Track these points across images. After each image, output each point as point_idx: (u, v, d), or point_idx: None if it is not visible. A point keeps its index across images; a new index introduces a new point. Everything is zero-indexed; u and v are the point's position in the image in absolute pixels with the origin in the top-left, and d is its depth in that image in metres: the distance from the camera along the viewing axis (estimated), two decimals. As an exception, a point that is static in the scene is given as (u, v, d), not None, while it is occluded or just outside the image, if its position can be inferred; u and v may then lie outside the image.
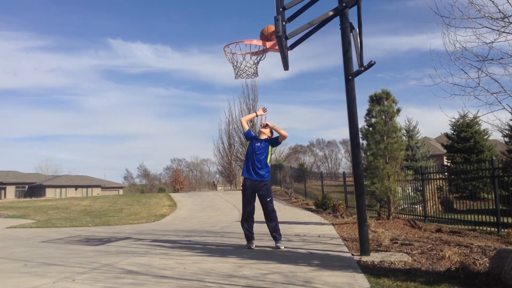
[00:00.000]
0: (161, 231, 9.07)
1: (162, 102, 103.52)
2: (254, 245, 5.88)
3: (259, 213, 6.08)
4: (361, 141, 8.25)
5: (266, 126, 6.15)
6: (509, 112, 4.29)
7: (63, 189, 51.82)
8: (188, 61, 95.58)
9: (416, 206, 10.59)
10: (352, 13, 5.30)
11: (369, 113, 9.53)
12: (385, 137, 9.10)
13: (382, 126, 9.13)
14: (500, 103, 4.30)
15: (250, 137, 6.22)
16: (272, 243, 5.89)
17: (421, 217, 9.53)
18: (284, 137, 6.08)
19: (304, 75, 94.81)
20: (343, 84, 5.27)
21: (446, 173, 11.57)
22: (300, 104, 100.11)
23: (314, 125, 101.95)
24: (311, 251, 5.45)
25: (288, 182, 19.36)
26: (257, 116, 6.61)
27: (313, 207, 13.36)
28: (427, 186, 10.29)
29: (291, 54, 5.66)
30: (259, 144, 6.03)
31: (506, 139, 18.54)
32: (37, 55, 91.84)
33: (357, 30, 5.30)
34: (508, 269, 3.49)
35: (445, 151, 23.57)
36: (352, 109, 5.20)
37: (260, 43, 5.79)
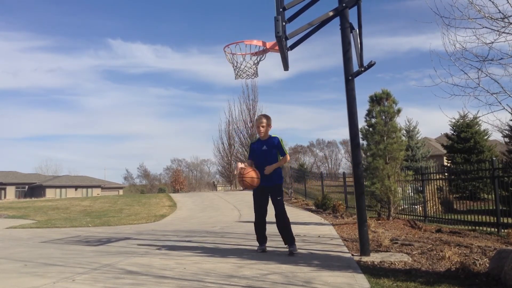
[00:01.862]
0: (161, 231, 9.06)
1: (162, 102, 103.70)
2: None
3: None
4: (361, 141, 8.25)
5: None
6: (509, 112, 4.30)
7: (63, 190, 51.84)
8: (188, 61, 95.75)
9: (416, 207, 10.60)
10: (352, 14, 5.31)
11: (369, 113, 9.53)
12: (385, 138, 9.10)
13: (382, 127, 9.13)
14: (500, 103, 4.31)
15: (254, 147, 5.60)
16: (271, 243, 5.88)
17: (421, 218, 9.53)
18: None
19: (304, 75, 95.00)
20: (343, 84, 5.27)
21: (446, 174, 11.57)
22: (300, 104, 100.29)
23: (314, 125, 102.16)
24: (311, 251, 5.45)
25: (288, 183, 19.35)
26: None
27: (313, 207, 13.36)
28: (427, 187, 10.29)
29: (291, 54, 5.66)
30: (264, 147, 5.50)
31: (506, 140, 18.57)
32: (37, 55, 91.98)
33: (357, 30, 5.30)
34: (508, 269, 3.49)
35: (445, 151, 23.59)
36: (352, 109, 5.20)
37: (260, 43, 5.78)
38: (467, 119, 21.50)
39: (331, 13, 5.24)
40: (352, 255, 5.08)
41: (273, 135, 5.57)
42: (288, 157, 5.57)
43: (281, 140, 5.52)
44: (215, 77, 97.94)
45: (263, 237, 5.57)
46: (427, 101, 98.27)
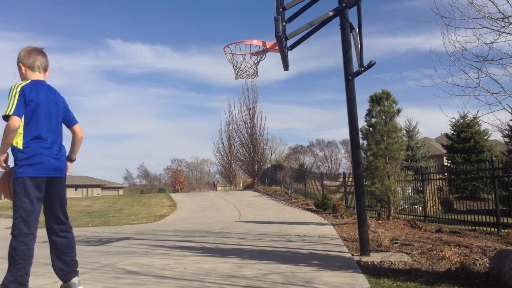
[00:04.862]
0: (161, 231, 9.06)
1: (162, 102, 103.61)
2: None
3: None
4: (361, 141, 8.26)
5: None
6: (509, 112, 4.30)
7: (63, 189, 51.73)
8: (187, 61, 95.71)
9: (416, 207, 10.60)
10: (352, 14, 5.32)
11: (369, 113, 9.54)
12: (385, 137, 9.11)
13: (382, 126, 9.13)
14: (500, 103, 4.31)
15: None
16: (271, 243, 5.87)
17: (421, 218, 9.53)
18: None
19: (304, 75, 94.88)
20: (343, 84, 5.28)
21: (446, 174, 11.56)
22: (300, 104, 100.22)
23: (314, 125, 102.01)
24: (311, 251, 5.45)
25: (288, 183, 19.36)
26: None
27: (313, 207, 13.36)
28: (427, 186, 10.29)
29: (291, 54, 5.67)
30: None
31: (506, 140, 18.58)
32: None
33: (357, 30, 5.31)
34: (508, 269, 3.49)
35: (445, 151, 23.58)
36: (352, 109, 5.20)
37: (260, 43, 5.79)
38: (467, 119, 21.47)
39: (331, 13, 5.25)
40: (352, 255, 5.09)
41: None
42: (13, 124, 2.91)
43: (13, 89, 3.06)
44: (215, 77, 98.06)
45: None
46: (427, 101, 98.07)
